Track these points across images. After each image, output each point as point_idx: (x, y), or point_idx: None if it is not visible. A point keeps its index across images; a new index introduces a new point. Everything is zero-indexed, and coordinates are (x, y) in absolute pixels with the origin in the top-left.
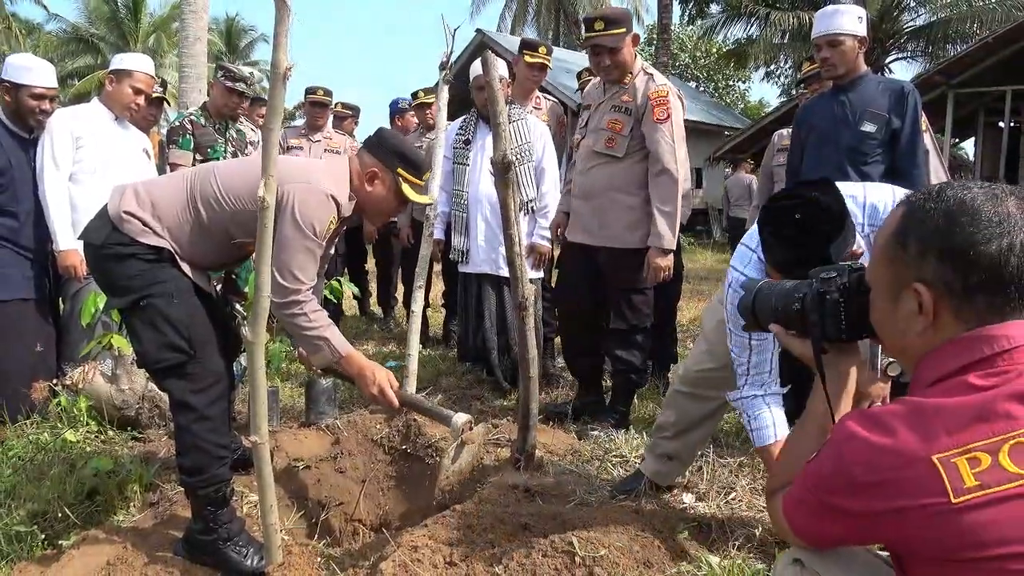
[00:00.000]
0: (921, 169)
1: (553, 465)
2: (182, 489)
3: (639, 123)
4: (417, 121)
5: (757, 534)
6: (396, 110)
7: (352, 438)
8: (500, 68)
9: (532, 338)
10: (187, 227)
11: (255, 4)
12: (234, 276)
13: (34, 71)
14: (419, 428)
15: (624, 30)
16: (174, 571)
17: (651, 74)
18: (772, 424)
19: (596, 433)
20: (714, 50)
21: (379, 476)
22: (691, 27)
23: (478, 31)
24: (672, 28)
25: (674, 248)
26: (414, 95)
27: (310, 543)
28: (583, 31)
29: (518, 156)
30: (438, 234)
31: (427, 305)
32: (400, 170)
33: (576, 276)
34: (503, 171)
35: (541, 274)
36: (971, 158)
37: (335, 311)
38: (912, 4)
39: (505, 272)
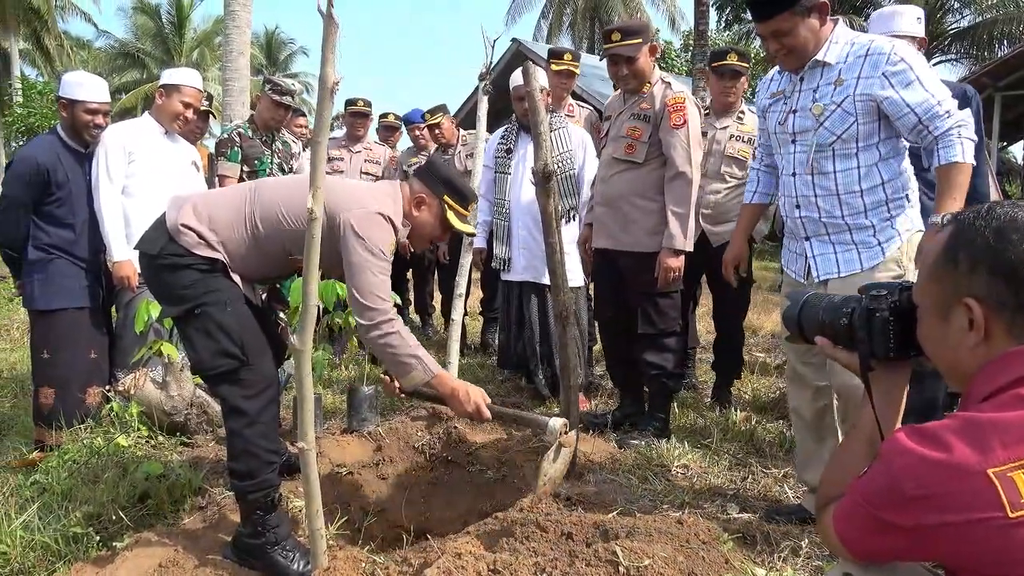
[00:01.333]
0: (985, 176)
1: (594, 474)
2: (229, 493)
3: (657, 129)
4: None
5: (804, 546)
6: (411, 123)
7: (394, 445)
8: (540, 78)
9: (573, 347)
10: (242, 241)
11: (294, 17)
12: (278, 285)
13: (88, 87)
14: (460, 435)
15: (640, 41)
16: (223, 574)
17: (668, 82)
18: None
19: (636, 442)
20: (751, 55)
21: (421, 483)
22: (727, 32)
23: (514, 40)
24: (708, 34)
25: (686, 250)
26: (422, 117)
27: (354, 548)
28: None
29: (559, 164)
30: (480, 243)
31: (465, 313)
32: (446, 197)
33: (606, 284)
34: (544, 180)
35: (582, 282)
36: (1019, 161)
37: None
38: (956, 6)
39: (547, 280)
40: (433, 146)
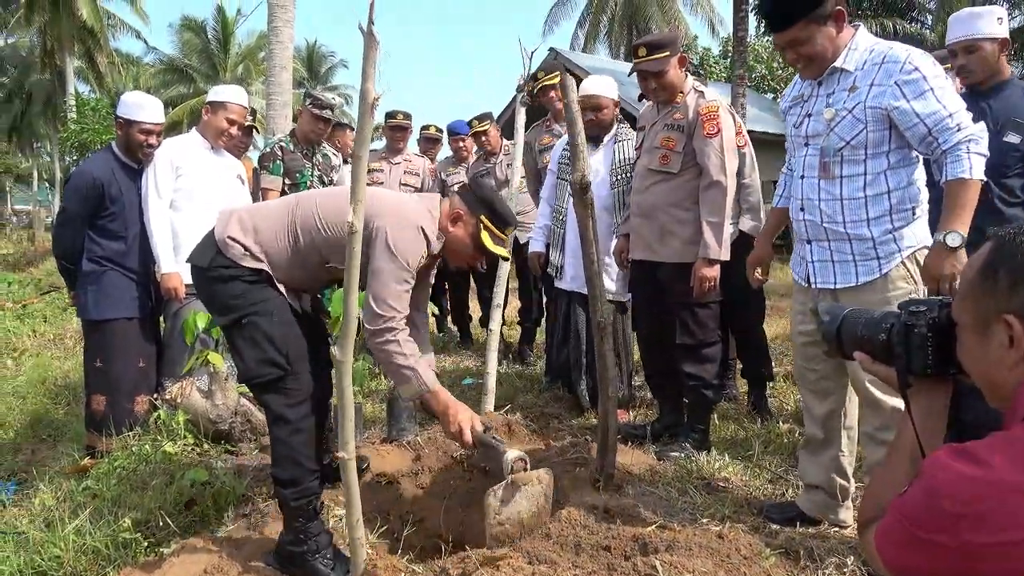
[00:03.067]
0: None
1: (632, 487)
2: (273, 501)
3: (691, 139)
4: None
5: (849, 563)
6: (455, 134)
7: (432, 455)
8: (605, 89)
9: (611, 358)
10: (285, 252)
11: (334, 31)
12: (319, 296)
13: (143, 108)
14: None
15: (667, 54)
16: None
17: (701, 91)
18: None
19: (676, 454)
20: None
21: (459, 492)
22: (767, 38)
23: (551, 50)
24: (748, 40)
25: (721, 259)
26: (469, 124)
27: (393, 558)
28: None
29: (620, 176)
30: (538, 246)
31: (503, 323)
32: (483, 218)
33: (644, 294)
34: (581, 192)
35: (629, 296)
36: None
37: None
38: (1006, 7)
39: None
40: (473, 158)
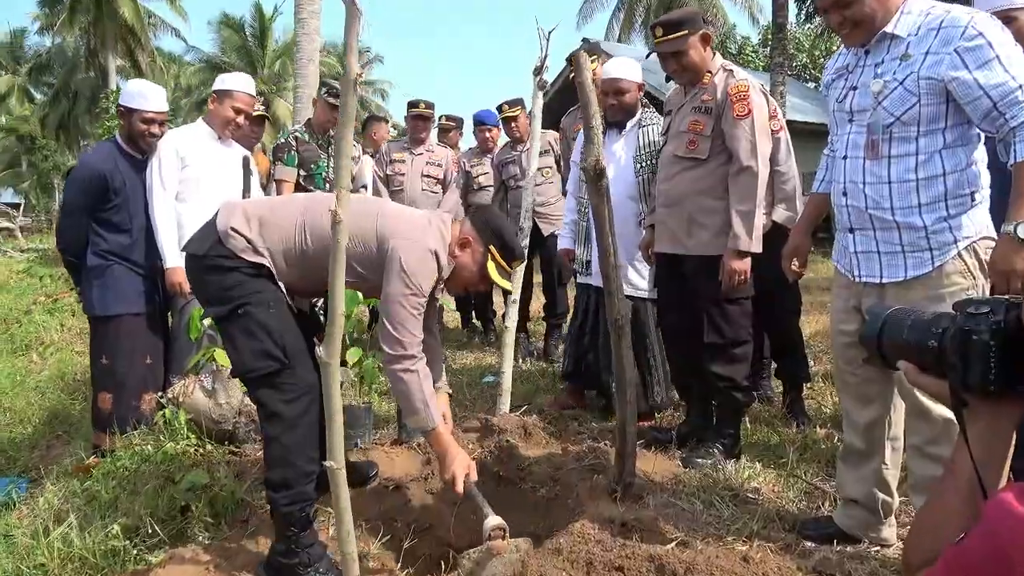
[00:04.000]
0: None
1: (654, 497)
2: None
3: (720, 121)
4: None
5: None
6: (482, 124)
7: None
8: (629, 72)
9: (630, 358)
10: (290, 252)
11: (369, 26)
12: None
13: (145, 96)
14: (511, 451)
15: (686, 32)
16: None
17: (731, 70)
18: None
19: (703, 461)
20: (833, 48)
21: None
22: (808, 26)
23: (585, 40)
24: (788, 27)
25: (752, 251)
26: (499, 108)
27: (393, 568)
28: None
29: (647, 162)
30: (566, 243)
31: (528, 319)
32: (492, 248)
33: (670, 290)
34: (595, 178)
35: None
36: None
37: None
38: None
39: (627, 289)
40: (497, 149)
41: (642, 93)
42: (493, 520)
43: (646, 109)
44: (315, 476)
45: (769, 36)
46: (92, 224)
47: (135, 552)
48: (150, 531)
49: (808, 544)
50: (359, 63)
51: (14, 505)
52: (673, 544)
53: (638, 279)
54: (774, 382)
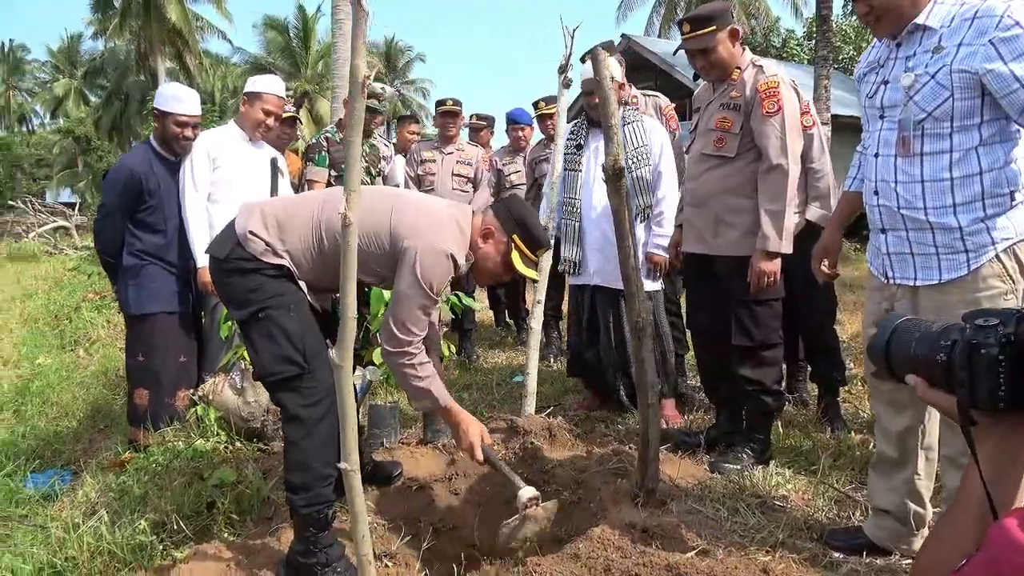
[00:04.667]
0: None
1: (678, 502)
2: None
3: (749, 118)
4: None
5: None
6: (515, 122)
7: (468, 459)
8: (613, 69)
9: (651, 362)
10: (308, 251)
11: (412, 26)
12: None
13: (179, 100)
14: (535, 453)
15: (713, 28)
16: None
17: (760, 66)
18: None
19: (731, 466)
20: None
21: (495, 500)
22: (854, 18)
23: (624, 36)
24: (833, 19)
25: (782, 251)
26: (535, 105)
27: (416, 569)
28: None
29: (634, 160)
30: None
31: (559, 318)
32: (516, 237)
33: (699, 291)
34: (615, 178)
35: (659, 285)
36: None
37: (454, 325)
38: None
39: (620, 284)
40: (530, 147)
41: (624, 91)
42: (528, 492)
43: (627, 106)
44: (333, 479)
45: (813, 29)
46: (128, 225)
47: (161, 547)
48: (176, 527)
49: (836, 555)
50: (401, 60)
51: (57, 497)
52: (693, 553)
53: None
54: (810, 385)
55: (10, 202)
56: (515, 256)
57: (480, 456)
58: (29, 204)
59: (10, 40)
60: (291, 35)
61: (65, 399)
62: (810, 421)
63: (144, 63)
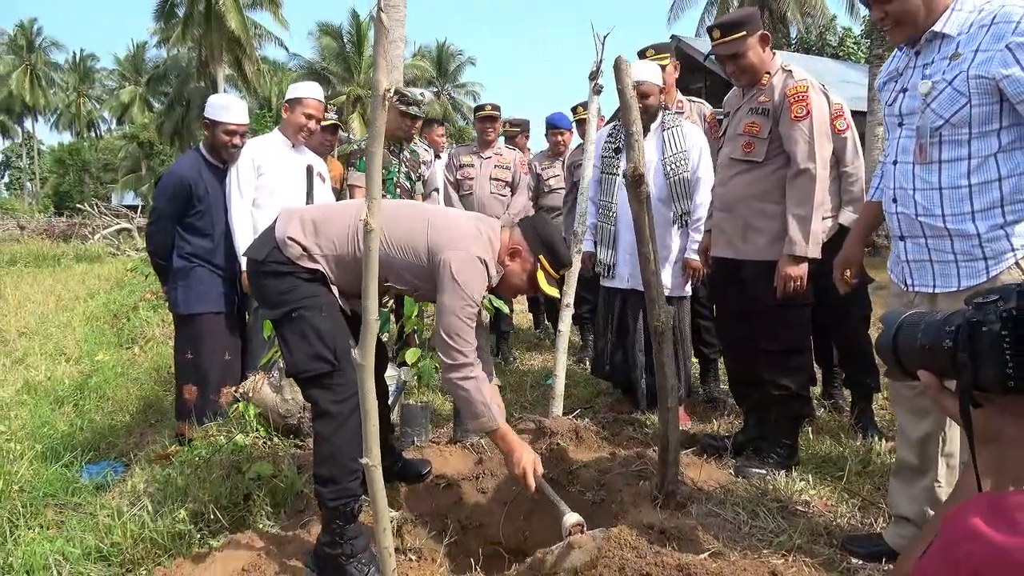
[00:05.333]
0: None
1: (698, 505)
2: None
3: (777, 123)
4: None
5: None
6: (554, 127)
7: (496, 458)
8: (650, 74)
9: (672, 366)
10: (342, 258)
11: (463, 30)
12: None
13: (228, 109)
14: (561, 454)
15: (743, 34)
16: None
17: (789, 71)
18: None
19: (757, 471)
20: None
21: (521, 499)
22: None
23: (673, 37)
24: None
25: (808, 256)
26: (574, 109)
27: (431, 565)
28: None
29: (672, 165)
30: (588, 246)
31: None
32: (542, 257)
33: (728, 296)
34: (635, 184)
35: (689, 292)
36: None
37: (492, 328)
38: None
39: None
40: (569, 151)
41: (664, 95)
42: (572, 517)
43: (666, 111)
44: (360, 473)
45: (871, 27)
46: (178, 229)
47: (199, 536)
48: (213, 517)
49: (854, 561)
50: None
51: (109, 487)
52: (706, 554)
53: (667, 278)
54: (846, 392)
55: (78, 205)
56: (540, 275)
57: (533, 485)
58: (95, 207)
59: (81, 50)
60: (345, 41)
61: (120, 394)
62: (843, 428)
63: (204, 70)
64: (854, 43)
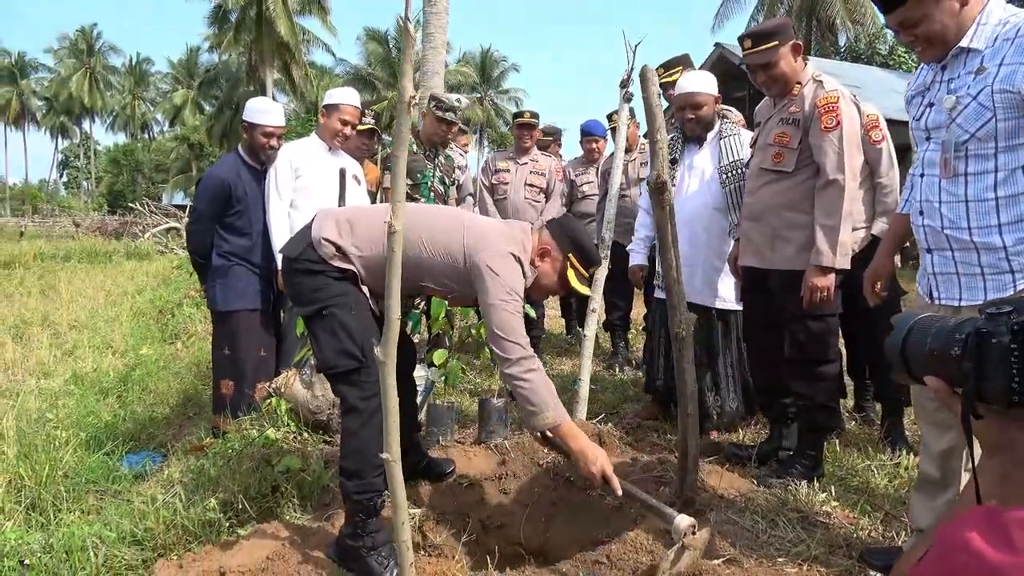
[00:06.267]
0: None
1: (717, 512)
2: None
3: (807, 134)
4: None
5: None
6: (589, 135)
7: (519, 460)
8: (705, 85)
9: (691, 372)
10: (375, 259)
11: (507, 37)
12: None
13: (266, 112)
14: None
15: (775, 44)
16: (322, 572)
17: (820, 81)
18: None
19: (780, 481)
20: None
21: (542, 501)
22: None
23: (717, 45)
24: None
25: (836, 267)
26: (609, 117)
27: (449, 563)
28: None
29: (727, 175)
30: (640, 259)
31: (627, 328)
32: (571, 256)
33: (755, 305)
34: (657, 192)
35: (739, 306)
36: None
37: None
38: None
39: (713, 302)
40: (603, 158)
41: (719, 105)
42: (684, 521)
43: (724, 120)
44: (383, 469)
45: None
46: (217, 228)
47: (227, 524)
48: (242, 507)
49: (871, 573)
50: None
51: (147, 476)
52: (719, 560)
53: (728, 291)
54: (877, 404)
55: (130, 204)
56: (571, 274)
57: (618, 487)
58: (146, 206)
59: (137, 54)
60: (391, 46)
61: (161, 387)
62: (872, 441)
63: (254, 74)
64: (905, 52)
